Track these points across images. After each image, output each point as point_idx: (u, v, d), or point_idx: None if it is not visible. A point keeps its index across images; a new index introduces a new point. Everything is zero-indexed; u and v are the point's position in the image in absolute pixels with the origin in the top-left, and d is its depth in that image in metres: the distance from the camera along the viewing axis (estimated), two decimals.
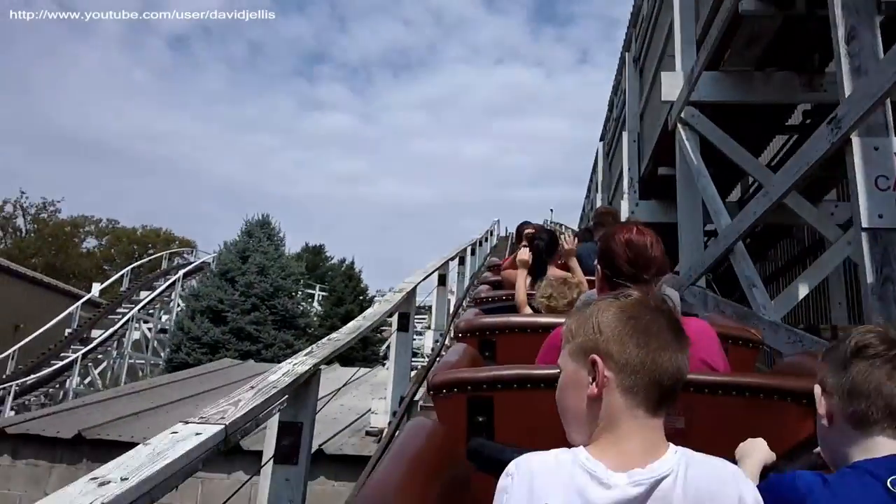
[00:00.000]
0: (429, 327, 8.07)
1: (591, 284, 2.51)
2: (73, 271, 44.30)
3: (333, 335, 2.79)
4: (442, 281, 7.20)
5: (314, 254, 53.56)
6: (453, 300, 8.38)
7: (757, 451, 1.20)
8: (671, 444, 0.96)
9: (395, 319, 4.52)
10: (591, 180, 13.33)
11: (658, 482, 0.91)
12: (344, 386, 4.69)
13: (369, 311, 3.65)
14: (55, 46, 60.24)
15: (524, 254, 3.55)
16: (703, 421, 1.14)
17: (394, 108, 77.45)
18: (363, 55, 78.77)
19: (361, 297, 28.11)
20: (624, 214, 7.16)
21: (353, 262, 42.40)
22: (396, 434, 2.78)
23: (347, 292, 29.48)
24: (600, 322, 1.01)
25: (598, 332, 1.01)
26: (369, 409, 4.77)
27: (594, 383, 0.98)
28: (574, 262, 3.61)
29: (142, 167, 65.49)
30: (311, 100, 77.56)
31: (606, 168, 10.56)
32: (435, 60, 79.58)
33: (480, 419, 1.41)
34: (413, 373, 4.79)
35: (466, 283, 9.06)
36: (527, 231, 4.12)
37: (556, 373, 1.12)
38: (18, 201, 44.00)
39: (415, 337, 6.97)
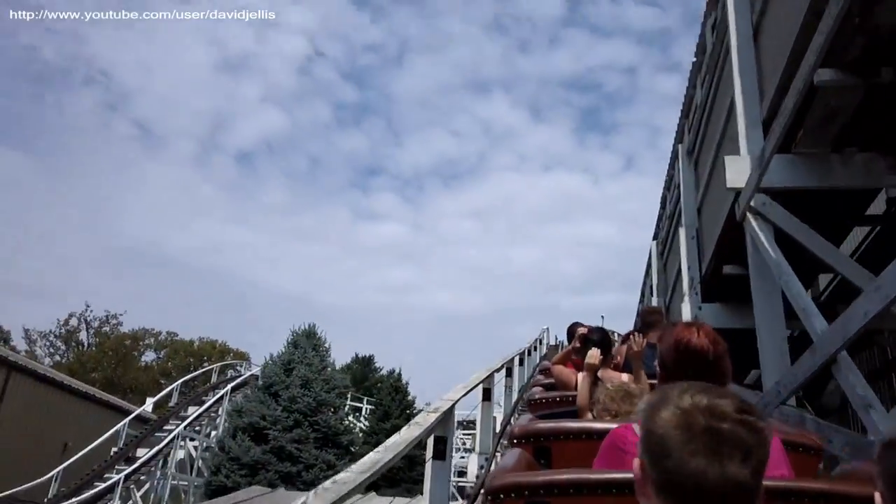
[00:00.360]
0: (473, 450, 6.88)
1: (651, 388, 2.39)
2: (131, 386, 44.59)
3: (339, 476, 2.46)
4: (487, 396, 6.60)
5: (363, 365, 52.87)
6: (500, 417, 7.75)
7: None
8: None
9: (430, 443, 3.82)
10: (644, 284, 12.43)
11: None
12: None
13: (392, 439, 3.12)
14: (129, 163, 65.28)
15: (594, 357, 3.53)
16: None
17: (444, 216, 78.52)
18: (415, 166, 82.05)
19: (409, 411, 26.96)
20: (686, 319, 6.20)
21: (399, 373, 41.17)
22: None
23: (394, 406, 28.48)
24: (648, 425, 0.94)
25: (644, 436, 0.94)
26: None
27: (638, 490, 0.92)
28: (638, 365, 3.52)
29: (203, 279, 67.64)
30: (365, 210, 78.79)
31: (661, 269, 9.74)
32: (483, 169, 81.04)
33: None
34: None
35: (515, 396, 8.16)
36: (580, 330, 4.08)
37: (613, 477, 1.29)
38: (83, 315, 45.08)
39: (463, 455, 6.04)
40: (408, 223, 79.70)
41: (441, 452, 3.86)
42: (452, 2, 76.28)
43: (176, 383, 23.53)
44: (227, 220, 70.24)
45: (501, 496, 1.47)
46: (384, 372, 50.58)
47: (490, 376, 6.66)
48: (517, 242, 79.03)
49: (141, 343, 48.86)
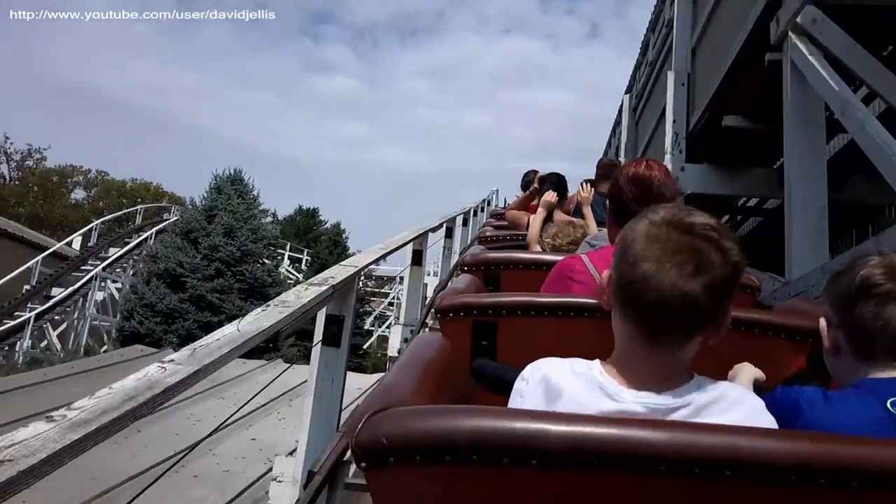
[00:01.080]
0: (397, 319, 6.43)
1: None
2: (60, 223, 42.22)
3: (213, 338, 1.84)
4: (417, 259, 5.57)
5: (307, 217, 51.56)
6: (430, 286, 6.56)
7: (746, 370, 1.19)
8: (695, 375, 0.92)
9: (319, 321, 2.88)
10: (608, 143, 11.05)
11: (672, 410, 0.89)
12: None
13: (280, 300, 2.32)
14: None
15: (550, 195, 3.84)
16: (699, 355, 0.96)
17: (398, 73, 76.42)
18: (370, 18, 77.52)
19: None
20: None
21: (340, 227, 40.08)
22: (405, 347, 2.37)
23: (332, 259, 27.58)
24: (623, 232, 0.96)
25: (618, 239, 0.98)
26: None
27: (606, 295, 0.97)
28: (588, 211, 3.69)
29: (139, 120, 64.30)
30: (316, 61, 76.48)
31: (632, 126, 8.29)
32: (442, 28, 78.58)
33: (484, 343, 1.49)
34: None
35: (454, 260, 6.73)
36: (540, 175, 4.46)
37: (555, 301, 1.42)
38: (2, 147, 41.54)
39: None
40: (360, 77, 76.18)
41: (334, 337, 2.93)
42: None
43: (95, 222, 21.58)
44: (167, 61, 66.04)
45: (451, 315, 1.52)
46: (329, 225, 49.16)
47: (423, 236, 5.56)
48: (471, 105, 76.73)
49: (69, 180, 46.60)
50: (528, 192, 4.71)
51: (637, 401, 0.89)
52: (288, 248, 37.01)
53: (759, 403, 0.94)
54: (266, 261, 14.20)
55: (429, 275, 6.89)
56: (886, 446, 0.82)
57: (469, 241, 7.69)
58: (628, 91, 9.62)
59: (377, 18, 78.41)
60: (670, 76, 5.89)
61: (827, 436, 0.90)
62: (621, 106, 10.04)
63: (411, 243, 5.19)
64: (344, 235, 41.26)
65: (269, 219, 50.90)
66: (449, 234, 7.27)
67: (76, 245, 19.57)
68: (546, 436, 0.81)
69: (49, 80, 60.00)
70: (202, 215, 14.00)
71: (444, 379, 1.16)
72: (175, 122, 65.63)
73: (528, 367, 1.00)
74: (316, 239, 49.61)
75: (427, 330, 4.36)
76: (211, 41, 67.71)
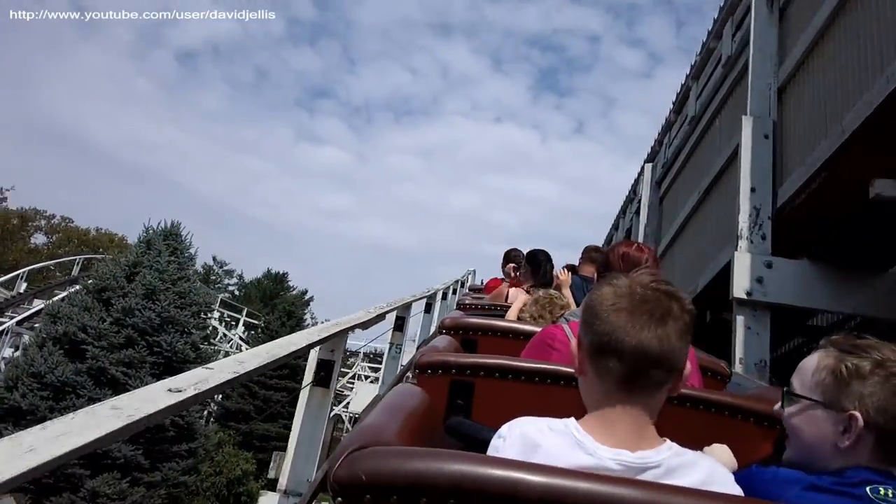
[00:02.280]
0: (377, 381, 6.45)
1: None
2: (13, 267, 38.90)
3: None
4: (399, 325, 5.63)
5: (275, 282, 48.42)
6: (408, 356, 6.09)
7: (719, 451, 1.27)
8: (667, 440, 1.01)
9: (311, 362, 3.17)
10: (614, 226, 8.71)
11: (644, 470, 0.95)
12: None
13: (263, 348, 2.47)
14: (62, 43, 64.02)
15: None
16: (670, 432, 1.05)
17: (389, 150, 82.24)
18: (367, 96, 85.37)
19: None
20: (741, 286, 3.61)
21: (305, 294, 37.00)
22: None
23: (284, 331, 24.17)
24: (589, 298, 1.07)
25: (583, 308, 1.08)
26: None
27: (577, 361, 1.08)
28: (568, 292, 3.81)
29: (124, 174, 68.07)
30: (309, 132, 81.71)
31: (655, 203, 5.92)
32: (436, 111, 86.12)
33: (460, 402, 1.52)
34: None
35: (432, 331, 6.65)
36: (529, 251, 4.48)
37: (533, 367, 1.47)
38: None
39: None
40: (351, 151, 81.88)
41: (324, 379, 3.13)
42: None
43: (23, 270, 18.79)
44: (161, 120, 70.18)
45: (429, 371, 1.55)
46: (297, 291, 46.06)
47: (407, 306, 5.79)
48: (458, 186, 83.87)
49: (30, 224, 45.81)
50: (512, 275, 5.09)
51: (612, 457, 0.96)
52: (244, 313, 33.81)
53: (730, 476, 1.01)
54: (193, 331, 11.34)
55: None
56: None
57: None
58: (650, 160, 7.36)
59: (374, 97, 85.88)
60: (746, 125, 3.63)
61: None
62: (638, 178, 7.79)
63: (395, 311, 5.31)
64: (307, 306, 37.95)
65: (234, 280, 47.88)
66: (428, 308, 7.34)
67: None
68: (523, 485, 0.83)
69: (37, 122, 63.45)
70: (123, 271, 11.29)
71: (421, 426, 1.21)
72: (160, 179, 68.70)
73: (506, 426, 1.06)
74: (283, 304, 46.48)
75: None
76: (209, 104, 73.17)
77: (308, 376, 3.18)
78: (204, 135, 73.76)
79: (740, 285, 3.54)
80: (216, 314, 30.57)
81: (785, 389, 1.17)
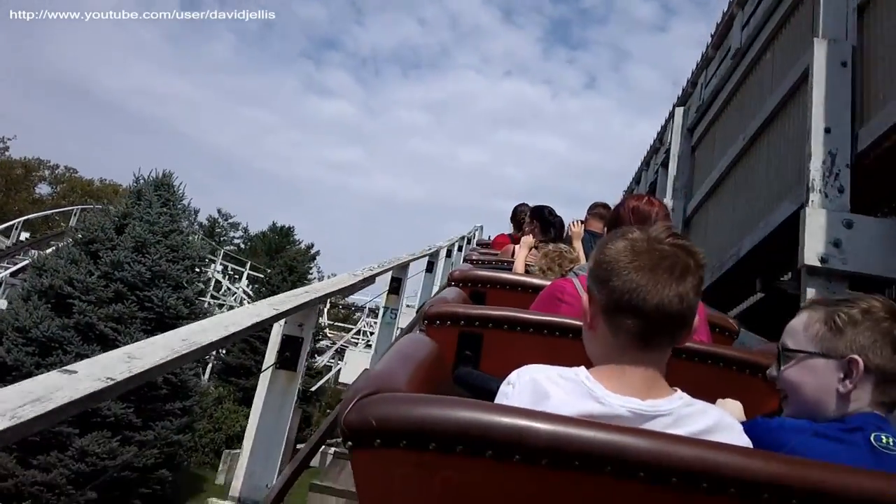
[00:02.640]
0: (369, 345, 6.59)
1: None
2: (18, 217, 38.66)
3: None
4: (395, 288, 5.27)
5: (281, 235, 47.74)
6: (407, 319, 5.45)
7: (730, 405, 1.30)
8: (678, 390, 1.04)
9: (274, 341, 2.64)
10: (636, 179, 7.96)
11: (654, 417, 0.98)
12: None
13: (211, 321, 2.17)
14: None
15: (529, 239, 3.98)
16: (680, 386, 1.07)
17: (397, 104, 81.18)
18: (374, 47, 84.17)
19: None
20: (813, 251, 2.99)
21: (311, 248, 36.25)
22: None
23: (285, 286, 23.25)
24: (594, 260, 1.09)
25: (597, 265, 1.06)
26: None
27: (588, 316, 1.08)
28: (579, 245, 3.81)
29: (131, 125, 67.41)
30: (316, 84, 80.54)
31: (687, 153, 5.09)
32: (445, 64, 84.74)
33: (468, 353, 1.54)
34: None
35: (435, 291, 6.25)
36: (535, 206, 4.54)
37: (542, 319, 1.51)
38: None
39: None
40: (359, 104, 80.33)
41: (289, 361, 2.58)
42: None
43: (19, 219, 18.27)
44: (167, 69, 68.93)
45: (437, 322, 1.57)
46: (303, 245, 45.56)
47: (404, 265, 5.34)
48: (467, 141, 77.50)
49: (34, 174, 45.21)
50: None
51: (623, 404, 0.99)
52: (248, 266, 33.59)
53: (738, 426, 1.04)
54: (187, 285, 10.75)
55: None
56: (863, 476, 0.87)
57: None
58: (682, 102, 6.47)
59: (381, 48, 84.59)
60: (818, 50, 2.86)
61: (804, 460, 0.93)
62: (666, 125, 6.93)
63: (390, 272, 5.01)
64: (312, 261, 37.20)
65: (240, 233, 47.32)
66: (430, 268, 6.80)
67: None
68: (531, 432, 0.84)
69: (42, 72, 62.40)
70: (112, 223, 10.64)
71: (430, 376, 1.22)
72: (169, 130, 68.73)
73: (515, 372, 1.07)
74: (290, 258, 46.06)
75: None
76: (215, 54, 72.14)
77: (270, 356, 2.62)
78: (211, 86, 74.17)
79: (813, 249, 2.82)
80: (219, 267, 30.50)
81: (781, 347, 1.21)
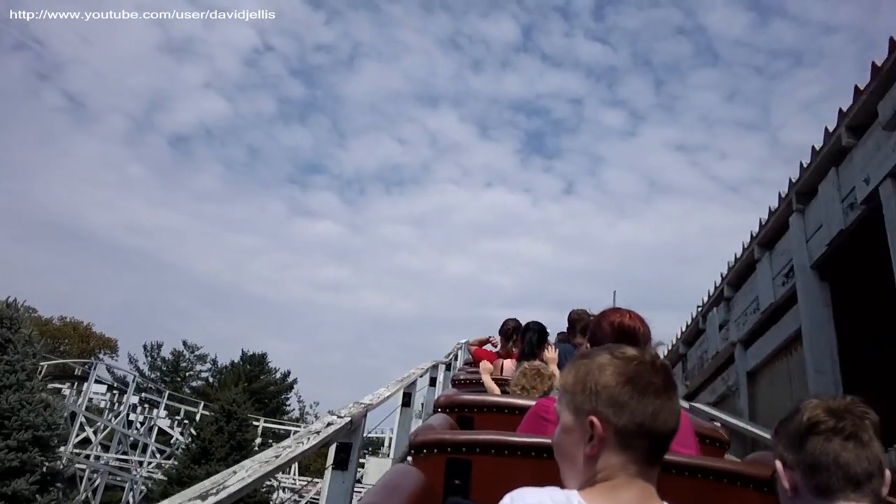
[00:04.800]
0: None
1: None
2: None
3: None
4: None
5: (254, 364, 45.13)
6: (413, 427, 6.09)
7: None
8: (665, 503, 1.11)
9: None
10: (713, 304, 9.12)
11: None
12: None
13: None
14: (56, 134, 68.70)
15: (487, 364, 4.57)
16: (671, 500, 1.11)
17: (382, 220, 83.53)
18: (358, 169, 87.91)
19: (238, 455, 21.33)
20: None
21: (288, 376, 34.52)
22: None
23: (218, 441, 21.50)
24: (598, 383, 1.11)
25: (595, 393, 1.10)
26: None
27: (591, 443, 1.09)
28: (554, 368, 3.87)
29: (120, 259, 69.91)
30: (302, 206, 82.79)
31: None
32: (426, 178, 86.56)
33: (457, 482, 1.51)
34: None
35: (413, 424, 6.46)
36: (511, 323, 5.25)
37: (530, 441, 1.48)
38: None
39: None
40: (345, 223, 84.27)
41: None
42: (410, 14, 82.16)
43: None
44: (157, 203, 73.55)
45: (425, 451, 1.55)
46: (278, 374, 43.19)
47: (413, 383, 5.61)
48: (452, 253, 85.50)
49: None
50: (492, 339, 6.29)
51: None
52: (165, 396, 32.07)
53: None
54: None
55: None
56: None
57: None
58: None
59: (364, 169, 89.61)
60: None
61: None
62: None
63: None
64: (290, 389, 35.24)
65: (207, 365, 44.91)
66: (432, 382, 6.97)
67: None
68: None
69: (30, 214, 66.13)
70: None
71: None
72: (154, 261, 71.64)
73: (507, 497, 1.08)
74: (262, 389, 43.29)
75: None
76: (202, 184, 75.58)
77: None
78: (199, 215, 77.53)
79: None
80: (134, 398, 29.91)
81: (773, 473, 1.32)
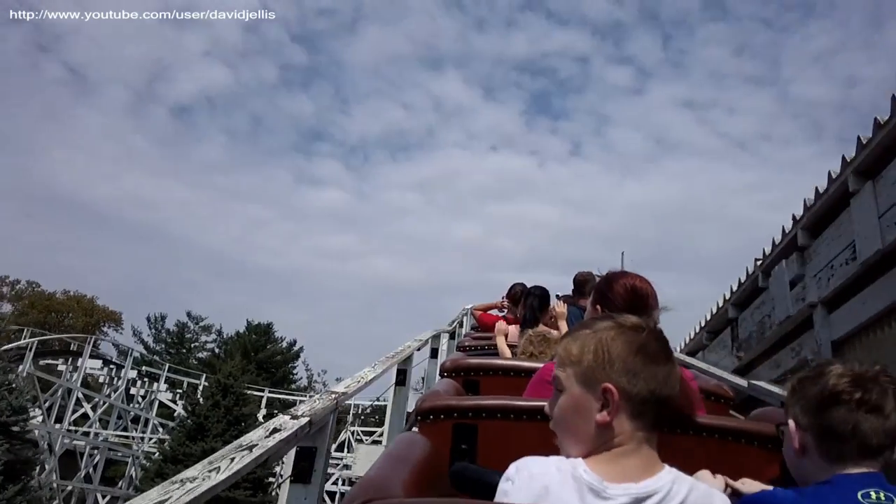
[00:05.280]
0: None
1: None
2: None
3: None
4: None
5: (260, 334, 44.17)
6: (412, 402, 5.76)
7: (706, 476, 1.35)
8: (666, 465, 1.13)
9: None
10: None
11: (649, 497, 1.05)
12: None
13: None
14: (57, 107, 68.84)
15: (503, 325, 4.29)
16: (676, 461, 1.15)
17: (388, 187, 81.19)
18: (362, 135, 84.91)
19: (237, 428, 20.28)
20: None
21: (294, 345, 33.35)
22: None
23: (214, 416, 20.53)
24: (610, 350, 1.14)
25: (608, 361, 1.13)
26: None
27: (605, 411, 1.12)
28: (563, 324, 4.06)
29: (122, 233, 69.03)
30: (307, 175, 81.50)
31: None
32: (431, 144, 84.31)
33: (464, 446, 1.53)
34: None
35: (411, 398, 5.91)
36: (518, 287, 5.19)
37: (536, 405, 1.46)
38: None
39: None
40: (351, 191, 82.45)
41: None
42: None
43: None
44: (161, 175, 71.49)
45: (431, 417, 1.57)
46: (284, 343, 42.17)
47: (409, 357, 5.10)
48: (459, 217, 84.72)
49: None
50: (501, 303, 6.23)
51: (621, 493, 1.05)
52: (165, 369, 31.65)
53: (727, 500, 1.13)
54: None
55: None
56: None
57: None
58: None
59: (369, 135, 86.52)
60: None
61: None
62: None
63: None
64: (295, 358, 34.33)
65: (213, 336, 44.24)
66: (434, 353, 6.51)
67: None
68: None
69: (34, 188, 65.63)
70: None
71: (425, 476, 1.21)
72: (161, 234, 71.33)
73: (513, 467, 1.10)
74: (268, 360, 42.35)
75: None
76: (207, 155, 74.10)
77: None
78: (204, 186, 76.48)
79: None
80: (133, 373, 29.53)
81: (777, 426, 1.41)
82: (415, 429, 1.76)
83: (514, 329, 4.49)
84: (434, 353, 6.66)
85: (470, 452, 1.47)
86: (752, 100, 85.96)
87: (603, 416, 1.09)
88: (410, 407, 5.77)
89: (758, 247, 8.27)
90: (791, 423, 1.22)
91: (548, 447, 1.15)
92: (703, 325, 10.65)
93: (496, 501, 1.03)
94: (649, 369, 1.10)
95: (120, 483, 25.89)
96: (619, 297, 1.88)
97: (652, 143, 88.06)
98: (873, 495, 1.09)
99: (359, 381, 3.24)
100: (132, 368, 30.00)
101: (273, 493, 19.39)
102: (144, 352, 40.00)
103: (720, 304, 9.68)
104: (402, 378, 5.16)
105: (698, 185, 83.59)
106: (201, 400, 22.51)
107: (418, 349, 5.79)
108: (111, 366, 30.35)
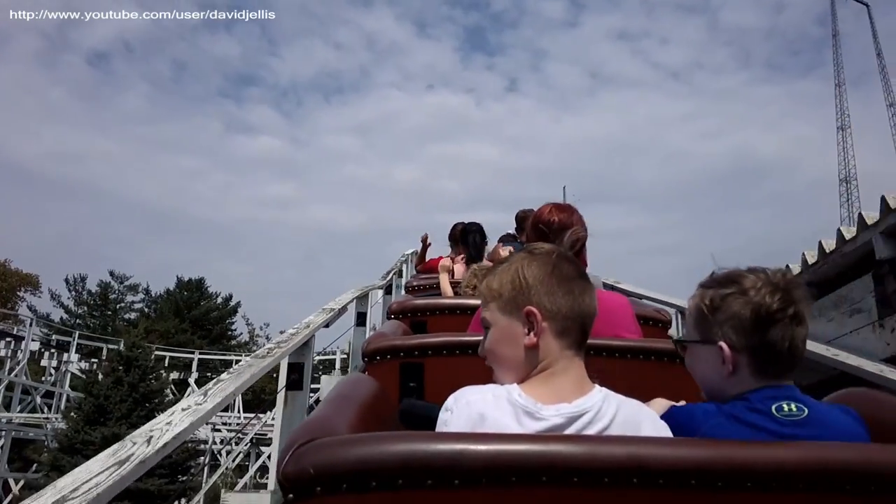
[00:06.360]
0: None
1: None
2: None
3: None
4: (362, 320, 5.41)
5: (192, 290, 42.46)
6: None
7: (659, 402, 1.37)
8: (596, 385, 1.20)
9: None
10: None
11: (581, 415, 1.11)
12: None
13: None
14: None
15: (447, 262, 4.51)
16: (615, 383, 1.22)
17: (325, 131, 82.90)
18: (293, 77, 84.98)
19: (143, 408, 18.47)
20: None
21: (230, 300, 32.53)
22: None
23: (116, 395, 18.52)
24: (526, 276, 1.22)
25: (526, 287, 1.21)
26: None
27: (531, 333, 1.19)
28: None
29: (47, 191, 65.85)
30: (239, 122, 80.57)
31: None
32: (366, 85, 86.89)
33: (412, 384, 1.58)
34: None
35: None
36: (459, 227, 5.26)
37: (478, 339, 1.39)
38: None
39: None
40: (286, 137, 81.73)
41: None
42: None
43: None
44: (83, 127, 69.90)
45: (378, 358, 1.62)
46: (220, 299, 40.51)
47: (366, 296, 5.60)
48: (399, 160, 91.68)
49: None
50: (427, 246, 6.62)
51: (554, 413, 1.11)
52: (75, 337, 28.74)
53: (655, 415, 1.19)
54: None
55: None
56: (775, 448, 0.96)
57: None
58: None
59: (300, 77, 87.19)
60: None
61: (721, 441, 1.04)
62: None
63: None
64: (233, 314, 33.32)
65: (140, 295, 42.06)
66: (388, 290, 6.78)
67: None
68: (468, 456, 0.88)
69: None
70: None
71: (372, 415, 1.24)
72: (90, 190, 68.33)
73: (451, 397, 1.15)
74: (203, 316, 40.82)
75: None
76: (129, 104, 71.60)
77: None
78: (130, 137, 73.56)
79: None
80: (35, 344, 26.49)
81: (672, 339, 1.53)
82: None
83: (459, 267, 4.66)
84: (388, 290, 6.68)
85: (418, 390, 1.55)
86: (683, 29, 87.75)
87: (531, 339, 1.18)
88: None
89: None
90: (723, 344, 1.19)
91: (493, 379, 1.23)
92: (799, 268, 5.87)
93: (436, 431, 1.08)
94: (565, 286, 1.19)
95: (35, 466, 22.99)
96: (531, 229, 2.20)
97: (588, 76, 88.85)
98: (786, 407, 1.14)
99: (323, 316, 3.63)
100: (38, 339, 26.81)
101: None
102: (67, 316, 37.63)
103: (843, 234, 5.01)
104: (362, 319, 5.47)
105: (635, 116, 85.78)
106: (100, 377, 19.92)
107: (376, 288, 6.03)
108: (8, 338, 26.51)
